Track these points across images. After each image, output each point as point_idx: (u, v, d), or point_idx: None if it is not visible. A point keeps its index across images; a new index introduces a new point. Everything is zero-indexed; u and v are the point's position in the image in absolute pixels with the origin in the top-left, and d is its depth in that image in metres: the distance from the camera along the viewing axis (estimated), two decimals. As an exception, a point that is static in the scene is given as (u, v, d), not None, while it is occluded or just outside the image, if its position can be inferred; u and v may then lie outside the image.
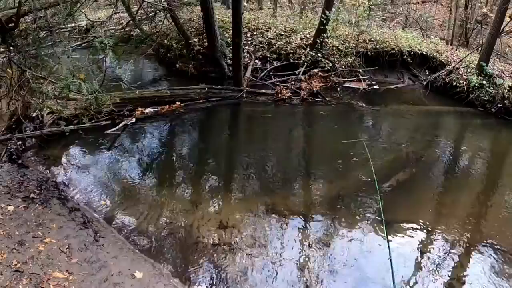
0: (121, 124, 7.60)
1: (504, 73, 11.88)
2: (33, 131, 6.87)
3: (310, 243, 4.96)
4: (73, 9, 4.87)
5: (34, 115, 6.90)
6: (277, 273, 4.37)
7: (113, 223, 4.99)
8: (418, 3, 24.87)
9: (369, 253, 4.86)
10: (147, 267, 4.19)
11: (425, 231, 5.44)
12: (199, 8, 11.11)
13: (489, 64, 11.76)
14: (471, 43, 17.56)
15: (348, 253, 4.83)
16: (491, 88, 10.92)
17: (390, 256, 3.36)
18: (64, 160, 6.54)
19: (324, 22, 11.26)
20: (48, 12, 4.78)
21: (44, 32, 4.85)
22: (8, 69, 5.03)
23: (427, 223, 5.58)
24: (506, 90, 10.72)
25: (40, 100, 4.81)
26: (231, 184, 6.44)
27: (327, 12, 11.18)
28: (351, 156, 7.38)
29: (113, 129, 7.40)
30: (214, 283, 4.21)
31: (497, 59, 14.69)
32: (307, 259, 4.67)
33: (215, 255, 4.56)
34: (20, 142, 6.60)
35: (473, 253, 5.15)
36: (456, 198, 6.56)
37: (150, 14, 10.41)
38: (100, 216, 5.06)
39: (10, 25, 4.48)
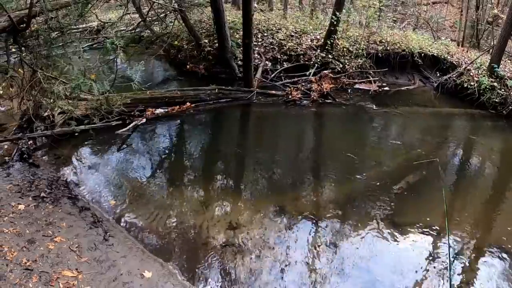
0: (131, 125, 7.64)
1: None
2: (44, 130, 6.94)
3: (319, 244, 4.93)
4: (84, 10, 4.88)
5: (45, 114, 6.96)
6: (285, 275, 4.34)
7: (123, 222, 5.00)
8: (429, 4, 24.69)
9: (377, 256, 4.81)
10: (156, 266, 4.19)
11: (435, 233, 5.36)
12: (209, 9, 11.16)
13: (501, 65, 11.61)
14: (482, 45, 17.32)
15: (357, 255, 4.78)
16: (503, 90, 10.76)
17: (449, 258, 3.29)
18: (74, 159, 6.58)
19: (335, 23, 11.22)
20: (59, 13, 4.81)
21: (56, 32, 4.88)
22: (19, 69, 5.07)
23: (436, 225, 5.50)
24: None
25: (52, 100, 4.82)
26: (240, 184, 6.44)
27: (337, 13, 11.13)
28: (361, 159, 7.33)
29: (124, 129, 7.44)
30: (223, 283, 4.20)
31: (509, 61, 14.51)
32: (315, 260, 4.64)
33: (224, 255, 4.55)
34: (31, 142, 6.67)
35: (482, 255, 5.08)
36: (467, 201, 6.51)
37: (161, 15, 10.48)
38: (109, 216, 5.08)
39: (21, 25, 4.52)
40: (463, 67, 12.04)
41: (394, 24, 17.80)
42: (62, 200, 5.02)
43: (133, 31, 10.76)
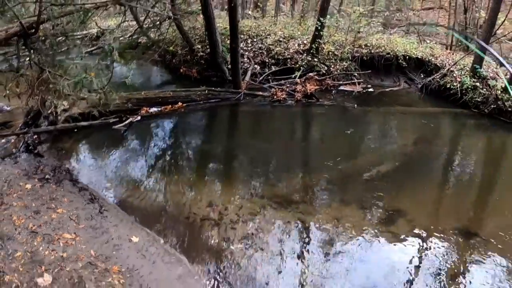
0: (127, 121, 8.40)
1: (498, 75, 12.34)
2: (48, 126, 7.70)
3: (288, 221, 5.59)
4: (85, 18, 5.65)
5: (49, 112, 7.71)
6: (253, 242, 5.05)
7: (116, 201, 5.76)
8: (423, 10, 25.46)
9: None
10: (143, 234, 4.92)
11: (398, 215, 5.94)
12: (202, 17, 11.92)
13: (484, 67, 12.19)
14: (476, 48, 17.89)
15: (323, 230, 5.48)
16: (485, 89, 11.27)
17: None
18: (75, 151, 7.35)
19: (319, 28, 11.97)
20: (64, 20, 5.57)
21: (61, 37, 5.64)
22: (28, 69, 5.85)
23: (405, 209, 6.05)
24: (499, 92, 11.04)
25: (57, 95, 5.57)
26: (222, 171, 7.18)
27: (321, 19, 11.90)
28: (336, 151, 8.05)
29: (120, 125, 8.21)
30: (200, 249, 4.91)
31: (494, 62, 15.14)
32: (281, 232, 5.34)
33: (203, 227, 5.27)
34: (36, 136, 7.42)
35: (444, 235, 5.57)
36: (438, 188, 7.11)
37: (157, 22, 11.22)
38: (105, 196, 5.83)
39: (31, 30, 5.29)
40: (447, 68, 12.60)
41: (385, 29, 18.53)
42: (64, 182, 5.78)
43: (131, 37, 11.53)
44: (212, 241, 5.02)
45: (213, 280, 4.40)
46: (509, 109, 10.68)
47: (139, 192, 6.03)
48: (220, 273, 4.52)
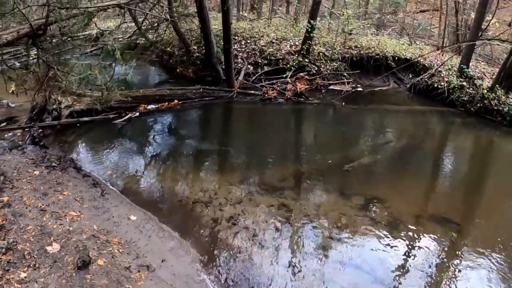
0: (126, 117, 8.99)
1: (485, 75, 12.81)
2: (52, 121, 8.27)
3: (272, 204, 6.15)
4: (89, 20, 6.23)
5: (54, 107, 8.27)
6: (240, 222, 5.62)
7: (116, 186, 6.34)
8: (418, 12, 26.08)
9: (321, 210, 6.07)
10: (140, 213, 5.50)
11: (376, 202, 6.48)
12: (198, 19, 12.50)
13: (472, 67, 12.70)
14: (463, 49, 18.41)
15: (305, 213, 6.05)
16: (471, 89, 11.79)
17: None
18: (78, 143, 7.92)
19: (310, 30, 12.56)
20: (69, 22, 6.14)
21: (67, 38, 6.21)
22: (36, 67, 6.43)
23: (384, 197, 6.60)
24: (485, 91, 11.55)
25: (62, 91, 6.14)
26: (215, 161, 7.82)
27: (312, 21, 12.50)
28: (321, 145, 8.64)
29: (120, 120, 8.79)
30: (191, 227, 5.48)
31: (482, 62, 15.69)
32: (267, 213, 5.91)
33: (194, 208, 5.84)
34: (40, 130, 7.98)
35: (422, 221, 6.13)
36: (416, 179, 7.62)
37: (154, 24, 11.82)
38: (106, 182, 6.40)
39: (39, 32, 5.87)
40: (434, 68, 13.13)
41: (378, 31, 19.09)
42: (69, 169, 6.35)
43: (130, 38, 12.13)
44: (202, 220, 5.59)
45: (202, 251, 4.97)
46: (495, 108, 11.21)
47: (137, 179, 6.62)
48: (208, 247, 5.09)
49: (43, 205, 5.12)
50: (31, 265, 4.05)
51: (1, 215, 4.77)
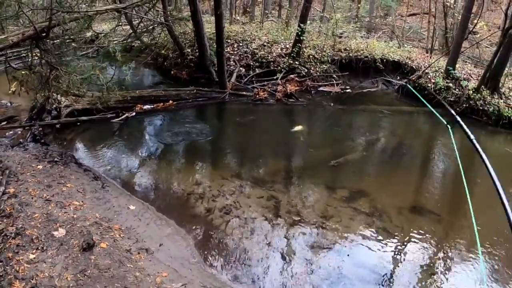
0: (123, 116, 9.35)
1: (471, 77, 13.25)
2: (52, 120, 8.61)
3: (261, 195, 6.56)
4: (90, 23, 6.61)
5: (53, 107, 8.62)
6: (231, 212, 6.02)
7: (116, 179, 6.73)
8: (409, 15, 26.65)
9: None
10: (139, 204, 5.89)
11: (364, 197, 6.86)
12: (192, 23, 12.90)
13: (459, 69, 13.12)
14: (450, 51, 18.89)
15: (290, 203, 6.46)
16: (457, 90, 12.18)
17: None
18: (77, 141, 8.27)
19: (300, 33, 13.01)
20: (71, 24, 6.52)
21: (68, 39, 6.59)
22: (38, 68, 6.80)
23: (367, 190, 7.03)
24: (471, 92, 11.92)
25: (64, 91, 6.50)
26: (207, 157, 8.24)
27: (302, 25, 12.94)
28: (309, 142, 9.08)
29: (117, 119, 9.16)
30: (186, 216, 5.88)
31: (470, 64, 16.19)
32: (255, 204, 6.32)
33: (189, 199, 6.25)
34: (41, 129, 8.32)
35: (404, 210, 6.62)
36: (399, 174, 8.08)
37: (149, 27, 12.20)
38: (106, 176, 6.78)
39: (43, 34, 6.25)
40: (422, 70, 13.53)
41: (368, 34, 19.58)
42: (70, 164, 6.72)
43: (125, 41, 12.49)
44: (197, 210, 5.99)
45: (196, 237, 5.37)
46: (481, 108, 11.59)
47: (135, 174, 7.03)
48: (202, 233, 5.50)
49: (47, 195, 5.49)
50: (39, 248, 4.43)
51: (8, 205, 5.14)
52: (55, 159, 6.73)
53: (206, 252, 5.12)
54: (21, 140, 7.88)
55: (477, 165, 8.96)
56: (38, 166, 6.38)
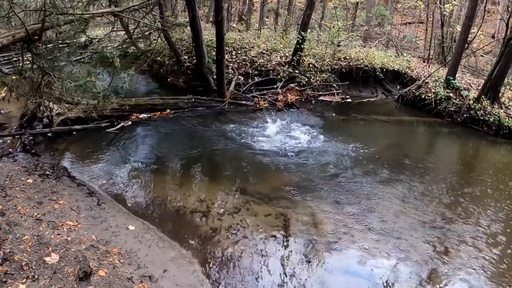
0: (119, 125, 8.88)
1: (471, 86, 13.15)
2: (43, 128, 8.11)
3: (267, 214, 6.15)
4: (85, 26, 6.16)
5: (45, 114, 8.12)
6: (239, 232, 5.57)
7: (112, 195, 6.22)
8: (404, 24, 26.67)
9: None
10: (138, 223, 5.40)
11: (373, 213, 6.55)
12: (189, 29, 12.49)
13: (459, 78, 13.00)
14: (449, 61, 18.81)
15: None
16: (457, 100, 12.10)
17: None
18: (70, 152, 7.75)
19: (300, 42, 12.68)
20: (65, 28, 6.06)
21: (61, 44, 6.13)
22: (29, 73, 6.30)
23: (375, 207, 6.72)
24: (471, 101, 11.86)
25: (56, 98, 6.03)
26: (208, 171, 7.74)
27: (302, 33, 12.63)
28: (312, 154, 8.69)
29: (112, 129, 8.68)
30: (191, 237, 5.41)
31: (467, 73, 16.08)
32: (258, 219, 5.89)
33: (193, 218, 5.77)
34: (31, 137, 7.81)
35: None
36: (406, 188, 7.69)
37: (146, 33, 11.76)
38: (102, 191, 6.28)
39: (35, 37, 5.77)
40: (422, 80, 13.38)
41: (365, 43, 19.38)
42: (63, 177, 6.21)
43: (120, 47, 12.02)
44: (201, 230, 5.52)
45: (204, 261, 4.90)
46: (481, 118, 11.55)
47: (132, 189, 6.51)
48: (210, 256, 5.02)
49: (38, 214, 4.99)
50: (30, 276, 3.92)
51: (-5, 225, 4.63)
52: (47, 172, 6.22)
53: (215, 279, 4.65)
54: (10, 150, 7.35)
55: (484, 174, 8.65)
56: (28, 180, 5.86)
